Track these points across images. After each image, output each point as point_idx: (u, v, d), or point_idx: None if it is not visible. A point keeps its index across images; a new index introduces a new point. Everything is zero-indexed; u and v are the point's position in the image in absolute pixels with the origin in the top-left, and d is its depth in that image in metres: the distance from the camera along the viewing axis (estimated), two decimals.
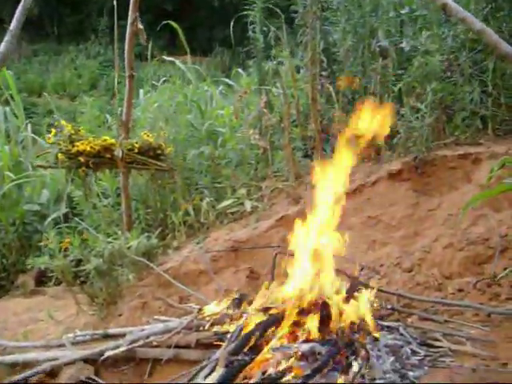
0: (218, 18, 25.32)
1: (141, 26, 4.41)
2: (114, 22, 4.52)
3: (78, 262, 4.51)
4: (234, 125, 6.00)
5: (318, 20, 4.92)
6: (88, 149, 4.64)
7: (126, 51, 4.57)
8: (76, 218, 5.46)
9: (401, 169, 4.58)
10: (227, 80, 7.90)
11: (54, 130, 4.72)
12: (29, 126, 7.01)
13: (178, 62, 7.42)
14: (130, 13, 4.45)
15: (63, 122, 4.66)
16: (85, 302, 4.53)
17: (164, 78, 7.31)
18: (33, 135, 6.88)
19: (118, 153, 4.62)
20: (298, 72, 6.04)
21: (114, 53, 4.77)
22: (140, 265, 4.40)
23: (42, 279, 5.57)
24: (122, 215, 5.13)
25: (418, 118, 4.48)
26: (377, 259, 4.13)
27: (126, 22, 4.65)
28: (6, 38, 3.13)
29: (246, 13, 5.65)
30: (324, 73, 5.22)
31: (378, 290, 3.45)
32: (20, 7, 3.16)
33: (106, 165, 4.84)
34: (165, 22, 6.60)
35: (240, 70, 7.93)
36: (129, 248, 4.33)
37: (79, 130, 4.69)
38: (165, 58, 7.43)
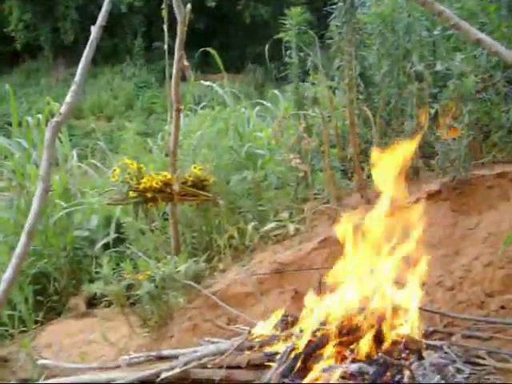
0: (249, 35, 25.62)
1: (186, 63, 4.64)
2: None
3: (129, 286, 4.70)
4: (273, 147, 6.12)
5: (354, 46, 5.02)
6: (154, 185, 4.99)
7: (172, 87, 4.79)
8: (125, 243, 5.67)
9: (439, 189, 4.66)
10: (264, 102, 8.05)
11: (117, 169, 5.03)
12: (74, 154, 7.27)
13: (215, 85, 7.59)
14: (176, 50, 4.67)
15: (127, 161, 4.94)
16: (136, 324, 4.71)
17: (203, 103, 7.51)
18: (80, 164, 7.14)
19: (176, 187, 4.91)
20: (334, 92, 6.14)
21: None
22: (189, 288, 4.57)
23: (92, 301, 5.77)
24: (169, 239, 5.32)
25: (454, 139, 4.56)
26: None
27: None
28: (72, 88, 3.33)
29: (280, 35, 5.74)
30: (361, 96, 5.33)
31: (421, 309, 3.54)
32: (83, 60, 3.36)
33: (165, 198, 5.16)
34: (202, 49, 6.80)
35: (276, 91, 8.07)
36: (178, 272, 4.51)
37: (141, 168, 4.97)
38: (202, 82, 7.61)
